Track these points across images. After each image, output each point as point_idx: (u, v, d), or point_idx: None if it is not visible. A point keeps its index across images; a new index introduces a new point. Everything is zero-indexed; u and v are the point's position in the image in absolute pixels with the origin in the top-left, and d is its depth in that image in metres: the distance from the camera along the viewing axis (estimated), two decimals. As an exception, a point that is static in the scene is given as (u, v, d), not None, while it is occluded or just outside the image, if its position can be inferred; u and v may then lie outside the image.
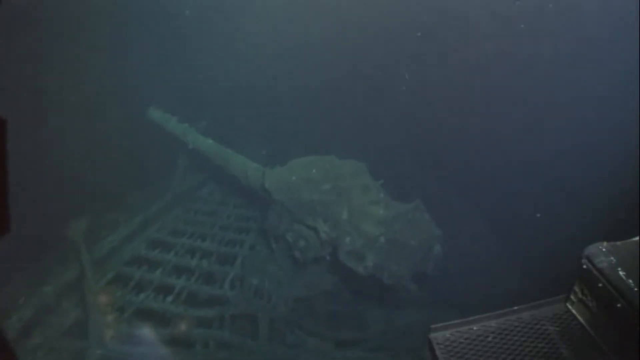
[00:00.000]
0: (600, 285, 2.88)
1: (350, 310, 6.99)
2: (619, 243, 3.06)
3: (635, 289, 2.69)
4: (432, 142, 9.22)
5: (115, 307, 6.35)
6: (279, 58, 10.21)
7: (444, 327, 3.22)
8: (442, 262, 6.52)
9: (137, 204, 8.29)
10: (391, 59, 9.41)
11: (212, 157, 8.30)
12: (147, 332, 6.11)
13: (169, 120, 8.91)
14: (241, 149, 9.63)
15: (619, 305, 2.74)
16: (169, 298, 6.57)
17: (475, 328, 3.18)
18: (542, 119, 7.66)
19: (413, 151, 9.63)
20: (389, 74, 9.39)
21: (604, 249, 3.01)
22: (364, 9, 9.38)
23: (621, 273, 2.80)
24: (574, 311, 3.20)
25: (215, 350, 6.23)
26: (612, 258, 2.92)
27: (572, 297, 3.22)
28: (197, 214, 8.89)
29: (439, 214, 7.43)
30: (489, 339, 3.09)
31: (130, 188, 8.41)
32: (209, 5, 9.83)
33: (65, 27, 6.93)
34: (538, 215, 7.21)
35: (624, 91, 6.48)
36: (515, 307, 3.30)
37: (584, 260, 3.01)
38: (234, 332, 6.43)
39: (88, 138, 7.47)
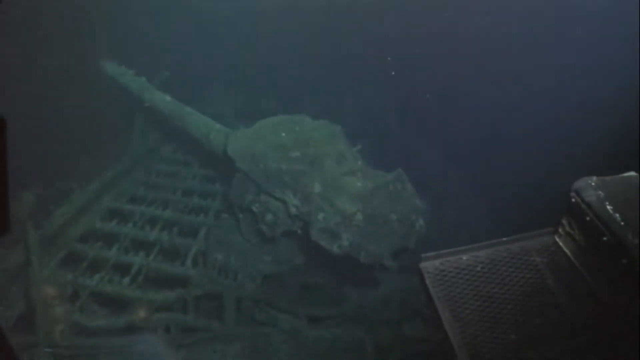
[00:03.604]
0: (587, 218, 2.96)
1: (323, 283, 6.52)
2: (607, 178, 3.12)
3: (622, 223, 2.75)
4: (415, 95, 8.52)
5: (65, 294, 5.75)
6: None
7: (434, 256, 3.32)
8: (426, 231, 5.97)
9: (91, 170, 7.47)
10: (376, 15, 8.51)
11: (170, 116, 7.43)
12: (101, 320, 5.58)
13: (125, 74, 7.95)
14: (207, 102, 8.86)
15: (605, 238, 2.83)
16: (126, 279, 5.98)
17: (464, 258, 3.30)
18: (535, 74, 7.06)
19: (395, 106, 8.94)
20: (373, 29, 8.49)
21: (592, 183, 3.06)
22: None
23: (609, 207, 2.86)
24: (561, 243, 3.32)
25: (179, 335, 5.76)
26: (600, 192, 2.98)
27: (560, 229, 3.32)
28: (159, 176, 8.08)
29: (423, 172, 6.93)
30: (478, 268, 3.21)
31: (83, 152, 7.55)
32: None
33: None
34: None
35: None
36: (505, 238, 3.40)
37: (572, 194, 3.10)
38: (198, 314, 5.95)
39: (32, 96, 6.60)
